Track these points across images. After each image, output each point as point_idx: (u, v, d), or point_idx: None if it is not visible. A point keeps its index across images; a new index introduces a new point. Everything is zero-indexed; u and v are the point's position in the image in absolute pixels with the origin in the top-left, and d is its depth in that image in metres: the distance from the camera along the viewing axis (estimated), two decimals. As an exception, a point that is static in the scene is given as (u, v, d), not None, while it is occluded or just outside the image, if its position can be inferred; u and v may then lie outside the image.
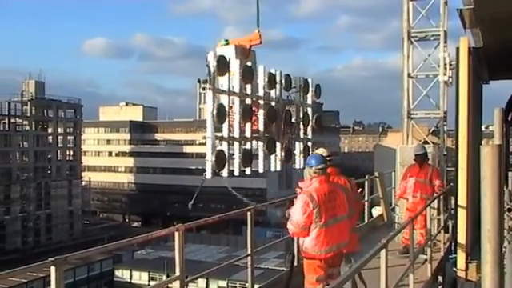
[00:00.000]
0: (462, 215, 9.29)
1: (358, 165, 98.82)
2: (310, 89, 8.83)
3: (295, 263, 7.14)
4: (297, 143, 8.78)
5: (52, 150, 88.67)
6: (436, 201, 9.83)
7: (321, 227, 5.78)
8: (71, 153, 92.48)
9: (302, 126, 8.82)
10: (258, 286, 7.29)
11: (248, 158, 7.29)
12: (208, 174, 6.71)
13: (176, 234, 5.15)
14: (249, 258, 6.72)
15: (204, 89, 6.59)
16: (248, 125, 7.34)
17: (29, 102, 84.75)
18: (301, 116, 8.78)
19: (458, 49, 9.54)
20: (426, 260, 8.57)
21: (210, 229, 73.85)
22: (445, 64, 12.29)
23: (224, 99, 6.93)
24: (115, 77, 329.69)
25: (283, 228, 6.83)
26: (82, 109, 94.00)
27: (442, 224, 10.12)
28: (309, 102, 8.91)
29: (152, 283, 53.41)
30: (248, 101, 7.34)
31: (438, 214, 10.22)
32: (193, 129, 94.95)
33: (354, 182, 7.29)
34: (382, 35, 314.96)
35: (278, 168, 8.28)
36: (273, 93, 7.95)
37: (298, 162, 8.80)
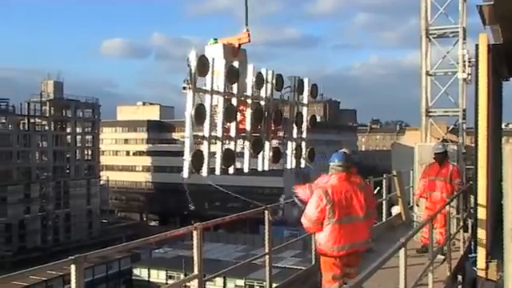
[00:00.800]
0: (482, 214, 9.20)
1: (376, 163, 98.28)
2: (306, 88, 8.79)
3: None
4: (289, 143, 8.76)
5: (70, 149, 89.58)
6: (455, 199, 9.73)
7: (334, 224, 5.78)
8: (89, 152, 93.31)
9: (295, 126, 8.80)
10: (275, 284, 7.28)
11: (230, 157, 7.29)
12: (185, 174, 6.74)
13: (194, 232, 5.17)
14: (266, 256, 6.72)
15: (184, 88, 6.57)
16: (233, 124, 7.33)
17: (48, 102, 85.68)
18: (294, 116, 8.76)
19: (477, 46, 9.43)
20: (445, 259, 8.49)
21: (226, 228, 74.03)
22: (464, 61, 12.16)
23: (207, 99, 6.93)
24: (133, 76, 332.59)
25: (300, 227, 6.83)
26: (100, 108, 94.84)
27: (462, 223, 10.02)
28: (304, 101, 8.88)
29: (170, 282, 53.67)
30: (234, 100, 7.32)
31: (458, 212, 10.12)
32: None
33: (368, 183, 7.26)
34: (399, 33, 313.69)
35: (266, 168, 8.27)
36: (263, 92, 7.92)
37: (290, 162, 8.79)
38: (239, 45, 7.70)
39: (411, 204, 12.58)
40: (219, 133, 7.01)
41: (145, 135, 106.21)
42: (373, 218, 6.45)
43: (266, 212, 6.68)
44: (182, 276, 49.12)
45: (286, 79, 8.41)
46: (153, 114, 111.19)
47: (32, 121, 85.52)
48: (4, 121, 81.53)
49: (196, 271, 5.25)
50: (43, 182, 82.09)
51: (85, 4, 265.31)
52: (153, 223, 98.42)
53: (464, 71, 12.15)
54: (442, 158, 10.05)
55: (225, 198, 78.86)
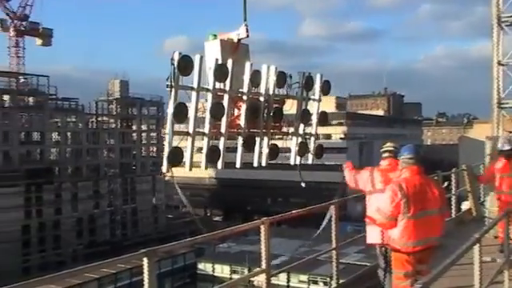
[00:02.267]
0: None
1: (442, 158, 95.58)
2: (318, 85, 8.65)
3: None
4: (294, 138, 8.63)
5: (136, 146, 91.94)
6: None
7: (409, 219, 5.62)
8: (154, 149, 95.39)
9: (301, 122, 8.67)
10: (342, 280, 7.20)
11: (215, 154, 7.31)
12: (164, 169, 6.86)
13: (262, 227, 5.18)
14: (333, 252, 6.65)
15: (167, 86, 6.61)
16: (223, 120, 7.32)
17: (114, 101, 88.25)
18: (300, 112, 8.62)
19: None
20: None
21: (289, 223, 73.94)
22: (539, 49, 11.62)
23: (194, 96, 6.95)
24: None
25: (363, 222, 6.73)
26: (164, 106, 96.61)
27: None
28: (315, 97, 8.74)
29: (234, 276, 54.19)
30: (226, 97, 7.28)
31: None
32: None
33: None
34: (466, 22, 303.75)
35: (263, 163, 8.21)
36: (263, 89, 7.82)
37: (293, 158, 8.67)
38: (238, 40, 7.71)
39: (482, 199, 12.17)
40: (206, 129, 7.10)
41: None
42: (446, 214, 6.26)
43: (333, 207, 6.61)
44: (245, 271, 49.58)
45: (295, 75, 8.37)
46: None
47: (100, 119, 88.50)
48: (74, 120, 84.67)
49: (264, 266, 5.26)
50: (111, 179, 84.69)
51: (148, 4, 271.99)
52: (216, 218, 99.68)
53: (540, 60, 11.61)
54: (508, 155, 9.60)
55: (287, 193, 78.79)
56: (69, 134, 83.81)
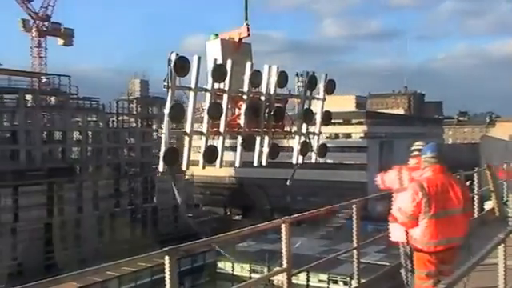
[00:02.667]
0: None
1: (464, 157, 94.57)
2: (322, 84, 8.61)
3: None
4: (296, 137, 8.58)
5: (156, 145, 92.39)
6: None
7: (430, 218, 5.56)
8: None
9: (304, 121, 8.62)
10: (363, 280, 7.16)
11: (212, 153, 7.33)
12: (160, 168, 6.89)
13: (283, 226, 5.17)
14: (354, 251, 6.62)
15: (165, 86, 6.64)
16: (222, 120, 7.32)
17: (135, 100, 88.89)
18: (303, 111, 8.58)
19: None
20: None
21: (309, 222, 73.75)
22: None
23: (192, 96, 6.95)
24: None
25: (385, 222, 6.68)
26: (184, 105, 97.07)
27: None
28: (320, 96, 8.70)
29: (254, 275, 54.21)
30: (225, 96, 7.27)
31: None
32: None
33: None
34: (489, 19, 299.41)
35: (264, 163, 8.20)
36: (264, 88, 7.78)
37: (295, 157, 8.64)
38: (240, 39, 7.71)
39: (505, 199, 12.02)
40: (204, 129, 7.13)
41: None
42: (470, 214, 6.18)
43: (354, 206, 6.58)
44: (265, 270, 49.56)
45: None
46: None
47: (120, 118, 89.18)
48: (95, 119, 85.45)
49: (285, 265, 5.25)
50: (131, 177, 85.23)
51: (165, 3, 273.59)
52: (236, 217, 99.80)
53: None
54: None
55: (307, 192, 78.60)
56: (90, 133, 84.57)
